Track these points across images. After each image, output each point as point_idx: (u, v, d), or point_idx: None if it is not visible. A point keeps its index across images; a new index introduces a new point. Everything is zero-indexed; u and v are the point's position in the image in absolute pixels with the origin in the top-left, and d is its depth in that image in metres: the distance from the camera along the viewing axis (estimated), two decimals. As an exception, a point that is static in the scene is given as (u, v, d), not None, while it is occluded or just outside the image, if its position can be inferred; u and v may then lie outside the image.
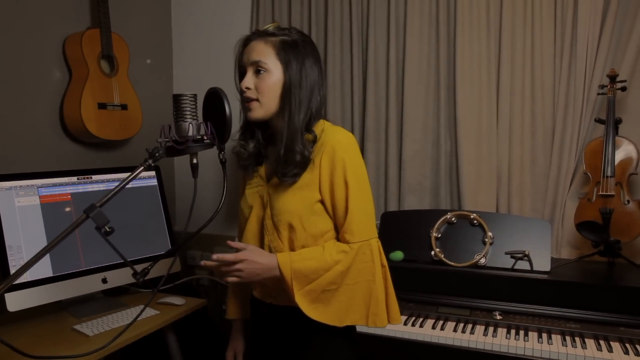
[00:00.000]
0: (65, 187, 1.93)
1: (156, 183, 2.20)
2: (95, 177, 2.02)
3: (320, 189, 1.34)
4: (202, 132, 1.19)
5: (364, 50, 2.47)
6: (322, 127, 1.37)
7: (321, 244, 1.35)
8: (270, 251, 1.38)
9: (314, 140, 1.34)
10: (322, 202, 1.35)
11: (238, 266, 1.28)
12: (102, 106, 2.22)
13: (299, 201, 1.33)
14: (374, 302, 1.34)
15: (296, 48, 1.33)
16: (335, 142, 1.32)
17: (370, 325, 1.34)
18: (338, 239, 1.38)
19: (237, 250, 1.31)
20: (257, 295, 1.46)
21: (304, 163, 1.32)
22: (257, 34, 1.36)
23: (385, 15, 2.40)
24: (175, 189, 2.95)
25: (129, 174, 1.15)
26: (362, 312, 1.34)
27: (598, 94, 2.08)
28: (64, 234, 1.05)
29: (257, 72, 1.33)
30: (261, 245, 1.42)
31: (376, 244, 1.36)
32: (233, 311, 1.62)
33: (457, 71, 2.27)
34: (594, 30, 2.08)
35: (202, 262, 1.31)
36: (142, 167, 1.13)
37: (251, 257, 1.29)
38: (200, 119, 1.24)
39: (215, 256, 1.28)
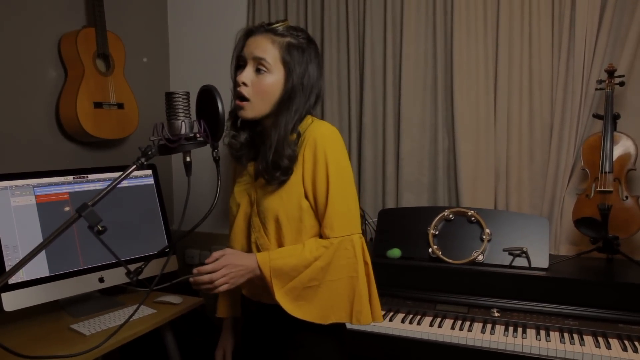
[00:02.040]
0: (61, 186, 1.92)
1: (153, 182, 2.19)
2: (91, 177, 2.01)
3: (304, 183, 1.32)
4: (195, 130, 1.19)
5: (360, 47, 2.46)
6: (307, 123, 1.35)
7: (302, 242, 1.32)
8: (257, 248, 1.37)
9: (297, 138, 1.33)
10: (307, 197, 1.33)
11: (221, 272, 1.26)
12: (98, 105, 2.22)
13: (285, 198, 1.32)
14: (357, 300, 1.31)
15: (302, 53, 1.31)
16: (317, 135, 1.30)
17: (354, 323, 1.31)
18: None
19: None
20: (246, 293, 1.46)
21: (291, 167, 1.30)
22: (265, 29, 1.31)
23: (381, 12, 2.39)
24: (172, 188, 2.95)
25: (122, 172, 1.14)
26: (346, 309, 1.31)
27: (596, 89, 2.07)
28: (57, 233, 1.04)
29: (258, 70, 1.30)
30: (248, 242, 1.41)
31: (359, 239, 1.32)
32: (223, 309, 1.61)
33: (454, 68, 2.26)
34: (592, 25, 2.07)
35: (191, 280, 1.29)
36: (134, 166, 1.13)
37: (231, 261, 1.27)
38: (194, 116, 1.23)
39: (195, 270, 1.26)
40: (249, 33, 1.34)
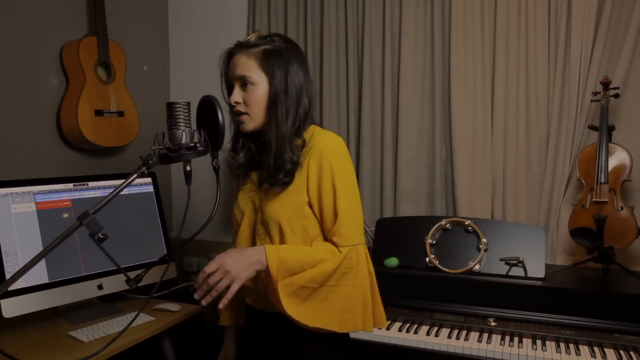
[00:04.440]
0: (62, 193, 1.93)
1: (152, 190, 2.20)
2: (91, 184, 2.03)
3: (308, 192, 1.34)
4: (196, 139, 1.20)
5: (359, 57, 2.48)
6: (312, 132, 1.38)
7: (309, 244, 1.34)
8: None
9: (303, 145, 1.35)
10: (310, 205, 1.35)
11: (217, 275, 1.23)
12: (98, 113, 2.24)
13: (288, 205, 1.34)
14: (349, 308, 1.31)
15: (279, 56, 1.33)
16: (323, 145, 1.33)
17: (342, 331, 1.31)
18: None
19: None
20: (250, 302, 1.47)
21: (293, 171, 1.32)
22: (239, 47, 1.36)
23: (380, 22, 2.42)
24: (172, 196, 2.96)
25: (123, 180, 1.16)
26: (334, 317, 1.30)
27: (591, 101, 2.10)
28: (58, 241, 1.06)
29: (244, 85, 1.34)
30: None
31: (363, 250, 1.34)
32: (226, 318, 1.62)
33: (452, 79, 2.29)
34: (587, 37, 2.10)
35: (220, 305, 1.25)
36: (135, 175, 1.14)
37: (224, 260, 1.24)
38: (194, 126, 1.25)
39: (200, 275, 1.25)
40: (229, 55, 1.39)
